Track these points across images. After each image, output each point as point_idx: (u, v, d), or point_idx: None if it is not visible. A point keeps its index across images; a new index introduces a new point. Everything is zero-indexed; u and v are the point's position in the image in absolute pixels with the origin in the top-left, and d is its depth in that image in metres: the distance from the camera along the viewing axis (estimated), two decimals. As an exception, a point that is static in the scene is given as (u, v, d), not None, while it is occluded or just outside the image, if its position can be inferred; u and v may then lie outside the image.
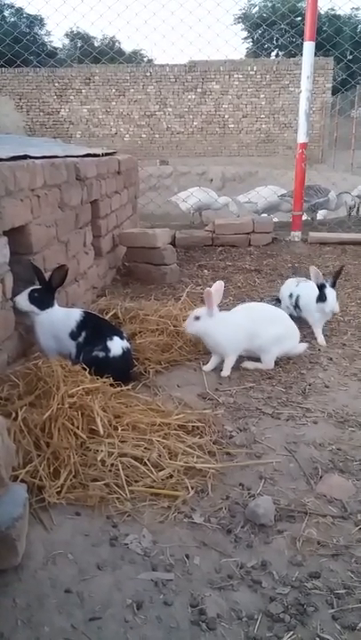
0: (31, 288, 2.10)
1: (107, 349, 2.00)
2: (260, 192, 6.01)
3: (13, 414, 1.51)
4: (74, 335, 2.02)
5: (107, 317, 2.57)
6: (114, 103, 13.51)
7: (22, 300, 2.03)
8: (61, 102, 13.54)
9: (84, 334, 2.02)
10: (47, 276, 2.17)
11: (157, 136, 13.90)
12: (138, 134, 13.71)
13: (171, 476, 1.51)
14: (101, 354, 1.99)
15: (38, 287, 2.09)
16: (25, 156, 2.30)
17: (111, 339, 2.01)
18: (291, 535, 1.37)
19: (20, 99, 13.41)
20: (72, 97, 13.47)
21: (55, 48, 18.86)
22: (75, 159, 2.96)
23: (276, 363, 2.38)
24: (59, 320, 2.04)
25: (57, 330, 2.03)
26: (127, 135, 13.70)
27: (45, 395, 1.59)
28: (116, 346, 2.02)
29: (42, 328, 2.05)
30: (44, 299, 2.06)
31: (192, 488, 1.49)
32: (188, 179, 11.78)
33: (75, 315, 2.08)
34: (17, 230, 2.12)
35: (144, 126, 13.67)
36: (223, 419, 1.89)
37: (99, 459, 1.49)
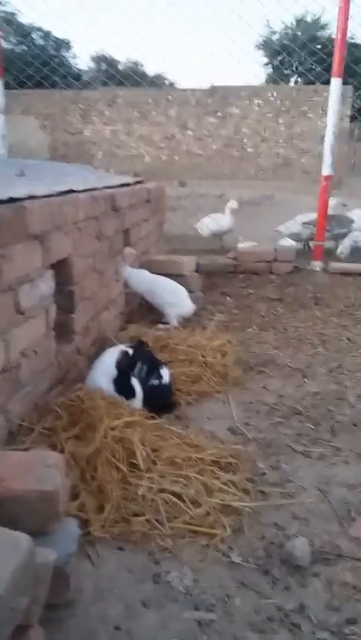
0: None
1: (160, 377, 2.14)
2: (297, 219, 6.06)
3: (59, 446, 1.57)
4: (138, 371, 2.15)
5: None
6: (136, 125, 13.81)
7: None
8: (85, 123, 13.88)
9: (145, 368, 2.16)
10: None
11: (177, 158, 14.14)
12: (158, 156, 13.97)
13: (208, 514, 1.55)
14: (156, 382, 2.12)
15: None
16: (70, 191, 2.40)
17: (162, 368, 2.17)
18: (326, 578, 1.40)
19: (46, 119, 13.76)
20: (95, 118, 13.81)
21: (80, 70, 19.40)
22: (112, 190, 3.07)
23: (303, 397, 2.43)
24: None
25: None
26: (147, 157, 13.96)
27: (89, 427, 1.65)
28: (166, 375, 2.17)
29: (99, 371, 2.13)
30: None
31: (229, 526, 1.53)
32: (205, 201, 11.94)
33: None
34: (60, 262, 2.21)
35: (164, 148, 13.93)
36: (255, 455, 1.94)
37: (139, 493, 1.54)
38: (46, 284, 2.06)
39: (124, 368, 2.04)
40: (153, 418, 1.97)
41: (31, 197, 1.92)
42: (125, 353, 2.07)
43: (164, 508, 1.53)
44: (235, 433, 2.12)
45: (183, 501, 1.57)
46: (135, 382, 2.06)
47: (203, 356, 2.59)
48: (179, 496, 1.58)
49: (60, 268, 2.23)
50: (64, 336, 2.33)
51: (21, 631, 0.94)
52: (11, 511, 1.09)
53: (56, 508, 1.14)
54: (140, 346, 2.25)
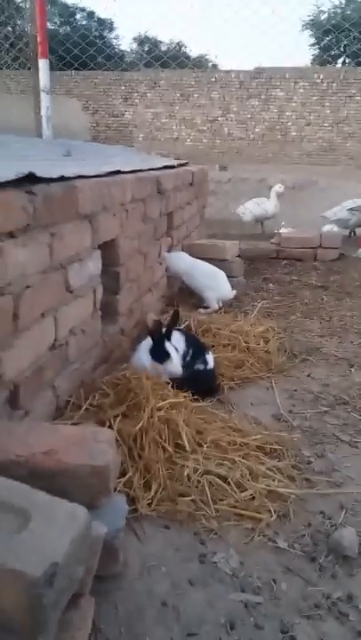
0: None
1: (205, 362, 2.14)
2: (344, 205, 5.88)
3: (107, 423, 1.58)
4: (184, 355, 2.14)
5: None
6: (177, 107, 13.67)
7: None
8: (127, 105, 13.84)
9: (191, 351, 2.16)
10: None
11: (218, 141, 13.94)
12: (199, 139, 13.80)
13: (253, 498, 1.54)
14: (201, 366, 2.12)
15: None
16: (117, 172, 2.39)
17: (208, 353, 2.16)
18: (375, 570, 1.37)
19: (87, 101, 13.80)
20: (137, 100, 13.74)
21: (123, 52, 19.30)
22: (157, 173, 3.04)
23: (350, 387, 2.37)
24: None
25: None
26: (188, 139, 13.81)
27: (135, 406, 1.66)
28: (211, 360, 2.16)
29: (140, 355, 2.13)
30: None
31: (274, 512, 1.51)
32: (247, 185, 11.74)
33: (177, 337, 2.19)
34: (107, 243, 2.22)
35: (206, 131, 13.74)
36: (300, 443, 1.91)
37: (185, 474, 1.54)
38: (94, 264, 2.07)
39: (157, 335, 2.06)
40: (197, 401, 1.96)
41: (80, 177, 1.92)
42: (158, 321, 2.08)
43: (209, 489, 1.52)
44: (279, 420, 2.09)
45: (228, 484, 1.56)
46: (170, 346, 2.05)
47: (246, 342, 2.56)
48: (224, 479, 1.58)
49: (107, 249, 2.24)
50: (109, 317, 2.34)
51: (75, 599, 0.96)
52: (62, 484, 1.11)
53: (106, 483, 1.15)
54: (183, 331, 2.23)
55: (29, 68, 4.99)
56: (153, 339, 2.08)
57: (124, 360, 2.23)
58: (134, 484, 1.44)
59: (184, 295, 3.58)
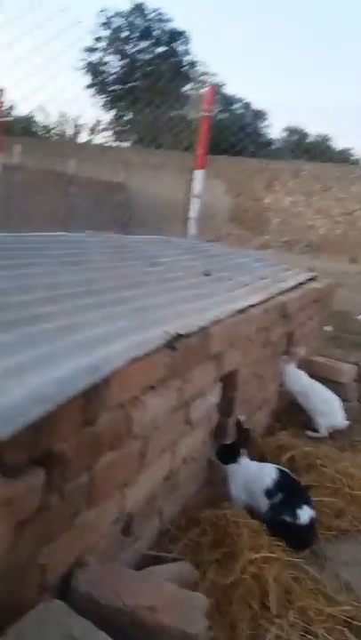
0: (222, 443, 2.32)
1: (295, 517, 2.07)
2: None
3: (202, 569, 1.71)
4: (270, 494, 2.14)
5: (284, 459, 2.70)
6: (315, 197, 14.06)
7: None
8: (268, 191, 14.60)
9: (280, 495, 2.12)
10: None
11: (350, 233, 13.95)
12: (333, 229, 13.95)
13: None
14: (289, 519, 2.07)
15: (227, 443, 2.31)
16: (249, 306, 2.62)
17: (301, 507, 2.09)
18: None
19: (232, 184, 14.85)
20: (278, 188, 14.45)
21: (271, 140, 20.54)
22: (283, 298, 3.24)
23: None
24: (252, 474, 2.21)
25: (250, 484, 2.20)
26: (322, 229, 14.03)
27: (230, 555, 1.77)
28: (305, 515, 2.09)
29: (234, 479, 2.24)
30: (227, 454, 2.27)
31: None
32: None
33: (270, 471, 2.21)
34: (228, 373, 2.42)
35: (341, 222, 13.87)
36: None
37: (267, 639, 1.59)
38: (214, 396, 2.28)
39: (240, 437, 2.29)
40: (290, 550, 1.99)
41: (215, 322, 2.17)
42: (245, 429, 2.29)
43: (288, 662, 1.55)
44: (373, 589, 2.02)
45: (308, 662, 1.57)
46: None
47: (350, 487, 2.53)
48: (304, 655, 1.59)
49: (227, 378, 2.44)
50: (218, 438, 2.51)
51: None
52: (155, 639, 1.26)
53: (195, 649, 1.27)
54: (282, 471, 2.24)
55: (187, 149, 5.69)
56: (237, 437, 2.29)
57: (225, 480, 2.34)
58: (217, 641, 1.53)
59: (294, 411, 3.62)
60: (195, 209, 5.16)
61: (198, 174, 5.18)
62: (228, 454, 2.28)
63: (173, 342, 1.78)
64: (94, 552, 1.45)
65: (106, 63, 22.30)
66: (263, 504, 2.14)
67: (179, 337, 1.80)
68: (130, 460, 1.62)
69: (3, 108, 5.94)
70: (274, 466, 2.31)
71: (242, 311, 2.52)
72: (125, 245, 3.60)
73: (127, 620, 1.27)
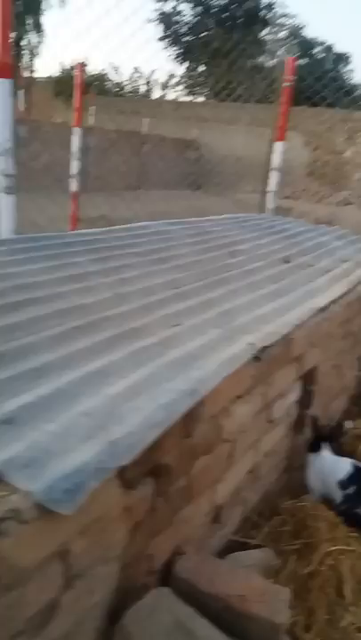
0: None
1: None
2: None
3: (283, 558, 1.91)
4: (343, 485, 2.27)
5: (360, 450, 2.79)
6: None
7: None
8: (349, 144, 13.72)
9: (353, 488, 2.25)
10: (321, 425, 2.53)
11: None
12: None
13: None
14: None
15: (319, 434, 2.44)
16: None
17: None
18: None
19: (311, 136, 14.09)
20: (360, 140, 13.52)
21: (356, 86, 18.98)
22: (366, 287, 3.20)
23: None
24: (328, 466, 2.35)
25: (325, 475, 2.34)
26: None
27: (309, 546, 1.95)
28: None
29: (311, 470, 2.40)
30: (312, 444, 2.41)
31: None
32: None
33: (345, 466, 2.34)
34: (308, 371, 2.52)
35: None
36: None
37: (340, 625, 1.78)
38: (295, 394, 2.41)
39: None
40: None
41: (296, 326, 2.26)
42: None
43: (360, 646, 1.73)
44: None
45: (379, 647, 1.74)
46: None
47: None
48: (377, 640, 1.76)
49: (307, 375, 2.54)
50: (297, 429, 2.65)
51: None
52: (246, 625, 1.48)
53: (278, 635, 1.48)
54: (358, 468, 2.35)
55: (271, 102, 5.54)
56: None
57: (303, 467, 2.50)
58: (297, 626, 1.73)
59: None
60: (273, 183, 5.08)
61: (278, 146, 5.05)
62: (313, 444, 2.42)
63: (259, 354, 1.91)
64: (190, 541, 1.69)
65: (179, 12, 21.40)
66: (337, 495, 2.29)
67: (264, 349, 1.93)
68: (220, 461, 1.81)
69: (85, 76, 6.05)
70: (351, 460, 2.42)
71: (323, 309, 2.57)
72: (204, 232, 3.68)
73: (220, 606, 1.50)
